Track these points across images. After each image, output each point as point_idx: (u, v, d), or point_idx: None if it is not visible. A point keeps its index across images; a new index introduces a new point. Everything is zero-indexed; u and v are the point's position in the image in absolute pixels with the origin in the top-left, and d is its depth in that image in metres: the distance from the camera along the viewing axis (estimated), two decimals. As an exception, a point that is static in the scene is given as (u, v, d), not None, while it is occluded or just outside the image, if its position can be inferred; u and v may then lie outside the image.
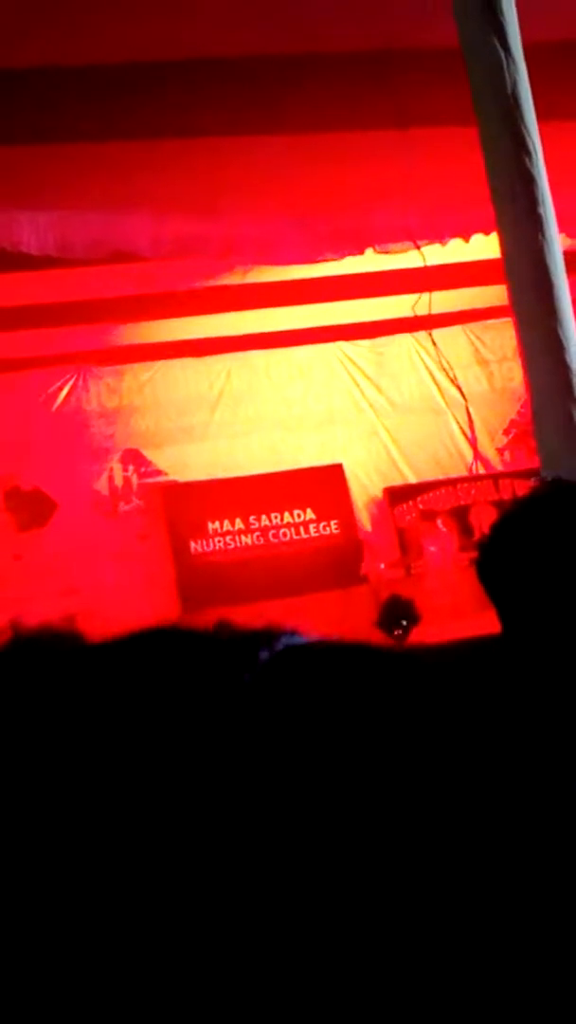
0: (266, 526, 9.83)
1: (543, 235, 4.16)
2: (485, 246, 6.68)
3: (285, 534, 9.85)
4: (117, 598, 8.91)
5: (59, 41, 5.03)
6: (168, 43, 5.16)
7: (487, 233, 6.29)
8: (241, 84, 5.54)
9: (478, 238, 6.86)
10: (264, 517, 9.82)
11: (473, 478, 10.19)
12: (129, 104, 5.50)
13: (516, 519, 1.53)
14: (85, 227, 6.31)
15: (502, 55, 4.02)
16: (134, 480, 9.99)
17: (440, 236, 7.12)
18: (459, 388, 10.11)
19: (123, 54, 5.22)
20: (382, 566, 9.68)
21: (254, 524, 9.81)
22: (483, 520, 9.27)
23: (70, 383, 9.90)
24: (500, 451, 10.55)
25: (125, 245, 6.57)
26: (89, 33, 4.98)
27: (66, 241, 6.33)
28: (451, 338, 10.17)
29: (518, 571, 1.46)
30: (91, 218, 6.30)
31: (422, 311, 6.81)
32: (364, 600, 8.77)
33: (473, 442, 10.28)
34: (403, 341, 10.37)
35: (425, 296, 6.66)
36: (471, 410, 10.09)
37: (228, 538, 9.75)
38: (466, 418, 10.21)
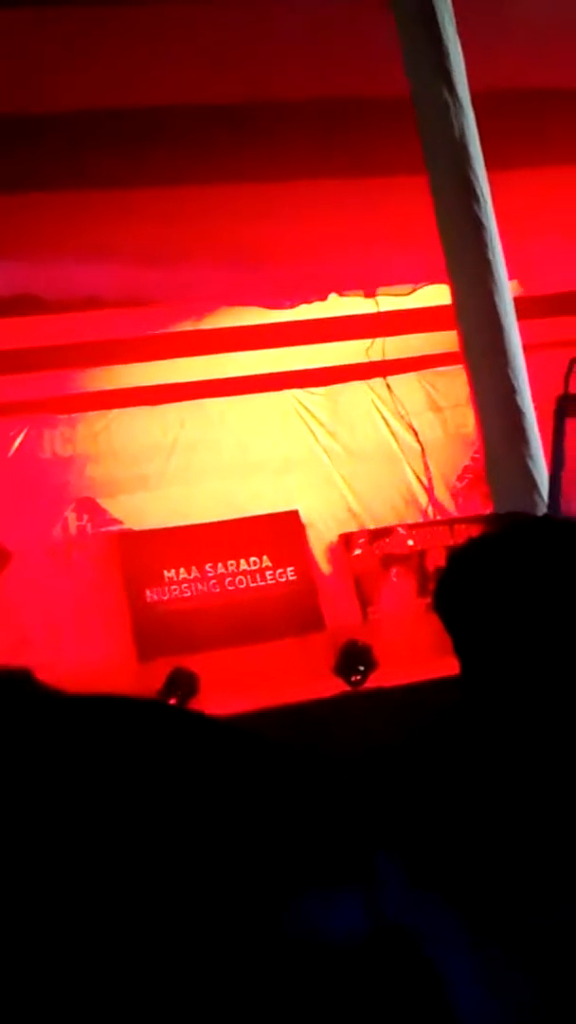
0: (222, 574, 9.78)
1: (493, 281, 4.21)
2: (437, 292, 6.75)
3: (241, 581, 9.81)
4: (72, 648, 8.82)
5: (25, 91, 5.06)
6: (128, 91, 5.20)
7: (438, 281, 6.36)
8: (199, 134, 5.59)
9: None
10: (220, 565, 9.77)
11: (429, 523, 10.22)
12: (89, 153, 5.54)
13: (473, 551, 1.54)
14: (48, 274, 6.33)
15: (450, 103, 4.08)
16: (89, 529, 9.93)
17: (393, 283, 7.20)
18: (415, 433, 10.19)
19: (82, 101, 5.26)
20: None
21: (210, 572, 9.76)
22: (439, 565, 9.29)
23: (24, 432, 9.85)
24: (454, 496, 10.60)
25: (88, 291, 6.59)
26: (54, 82, 5.01)
27: (31, 286, 6.35)
28: (404, 384, 10.26)
29: (476, 603, 1.46)
30: (55, 265, 6.31)
31: (375, 355, 6.86)
32: (321, 647, 8.73)
33: (429, 488, 10.33)
34: (357, 388, 10.42)
35: (379, 341, 6.72)
36: (426, 455, 10.15)
37: (184, 586, 9.69)
38: (421, 464, 10.27)
